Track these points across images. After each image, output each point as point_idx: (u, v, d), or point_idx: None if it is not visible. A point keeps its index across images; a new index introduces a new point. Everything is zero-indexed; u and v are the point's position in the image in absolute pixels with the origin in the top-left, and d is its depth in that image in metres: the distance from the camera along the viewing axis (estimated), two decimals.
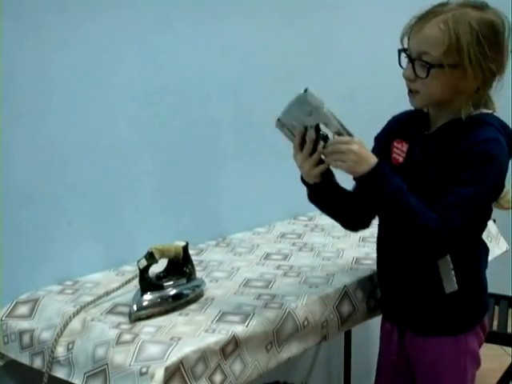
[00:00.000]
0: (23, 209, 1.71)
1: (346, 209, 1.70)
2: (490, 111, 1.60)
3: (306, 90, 1.51)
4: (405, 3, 2.61)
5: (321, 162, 1.55)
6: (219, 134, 2.18)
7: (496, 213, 2.58)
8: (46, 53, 1.72)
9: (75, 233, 1.82)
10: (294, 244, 2.14)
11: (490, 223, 2.40)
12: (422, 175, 1.60)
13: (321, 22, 2.46)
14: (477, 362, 1.71)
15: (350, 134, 1.53)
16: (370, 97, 2.61)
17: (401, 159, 1.65)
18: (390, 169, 1.54)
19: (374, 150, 1.67)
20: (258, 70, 2.26)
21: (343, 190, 1.67)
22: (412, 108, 1.65)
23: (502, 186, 1.59)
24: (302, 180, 1.62)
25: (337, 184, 1.64)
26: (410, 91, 1.58)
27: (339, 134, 1.52)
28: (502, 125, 1.59)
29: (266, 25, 2.28)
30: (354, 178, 1.53)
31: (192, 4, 2.04)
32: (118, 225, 1.93)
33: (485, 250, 1.72)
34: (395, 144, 1.68)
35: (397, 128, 1.71)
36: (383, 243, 1.74)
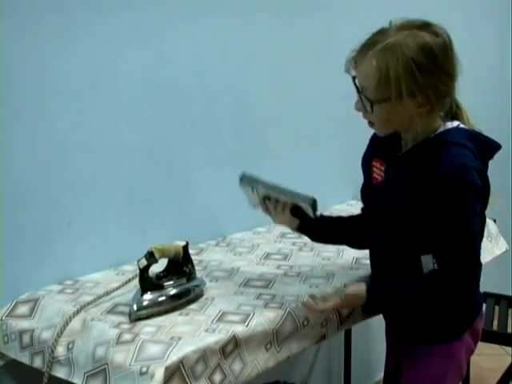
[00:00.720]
0: (23, 209, 1.71)
1: (349, 234, 1.81)
2: (455, 124, 1.59)
3: (241, 177, 1.70)
4: (405, 4, 2.62)
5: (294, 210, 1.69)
6: (219, 133, 2.18)
7: (496, 213, 2.59)
8: (46, 53, 1.72)
9: (75, 232, 1.82)
10: (294, 244, 2.14)
11: (491, 223, 2.41)
12: (397, 195, 1.60)
13: (321, 22, 2.46)
14: (459, 374, 1.70)
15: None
16: None
17: (380, 178, 1.66)
18: (378, 285, 1.62)
19: (364, 176, 1.74)
20: (257, 70, 2.26)
21: (339, 219, 1.81)
22: None
23: (486, 199, 1.58)
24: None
25: (327, 218, 1.80)
26: (368, 123, 1.60)
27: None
28: (469, 135, 1.57)
29: (266, 25, 2.28)
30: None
31: (192, 4, 2.04)
32: (118, 224, 1.93)
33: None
34: (374, 163, 1.69)
35: (376, 146, 1.72)
36: (376, 263, 1.75)
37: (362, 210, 1.78)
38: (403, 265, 1.62)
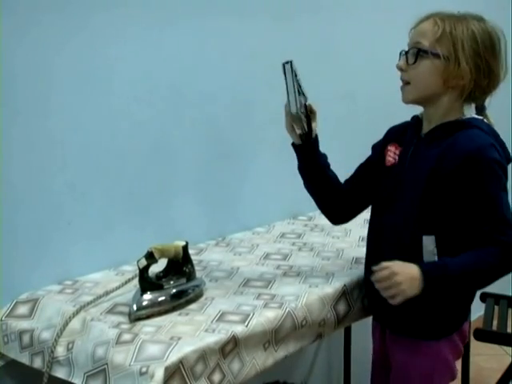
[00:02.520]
0: (23, 209, 1.71)
1: (330, 194, 1.79)
2: (480, 118, 1.64)
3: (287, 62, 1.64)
4: (405, 4, 2.62)
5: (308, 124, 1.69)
6: (219, 133, 2.18)
7: None
8: (46, 52, 1.72)
9: (75, 232, 1.82)
10: (293, 244, 2.14)
11: None
12: (412, 176, 1.63)
13: (321, 23, 2.46)
14: (449, 372, 1.70)
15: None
16: (369, 98, 2.61)
17: (393, 161, 1.71)
18: (431, 265, 1.56)
19: (371, 158, 1.79)
20: (257, 70, 2.26)
21: (332, 174, 1.78)
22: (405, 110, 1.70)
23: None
24: (293, 145, 1.74)
25: (325, 165, 1.77)
26: (402, 84, 1.65)
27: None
28: (492, 131, 1.63)
29: (266, 25, 2.28)
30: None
31: (192, 4, 2.04)
32: (118, 225, 1.93)
33: None
34: (389, 147, 1.74)
35: (392, 135, 1.77)
36: (372, 244, 1.77)
37: (346, 182, 1.81)
38: (404, 245, 1.63)
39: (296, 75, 1.64)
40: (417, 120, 1.72)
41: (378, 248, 1.73)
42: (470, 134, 1.59)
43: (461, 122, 1.62)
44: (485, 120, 1.65)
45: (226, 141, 2.20)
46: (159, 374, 1.33)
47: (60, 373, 1.51)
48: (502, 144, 1.63)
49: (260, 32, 2.25)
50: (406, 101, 1.66)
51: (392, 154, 1.72)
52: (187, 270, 1.66)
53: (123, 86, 1.90)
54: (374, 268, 1.56)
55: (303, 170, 1.78)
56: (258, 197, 2.32)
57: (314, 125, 1.73)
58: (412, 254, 1.60)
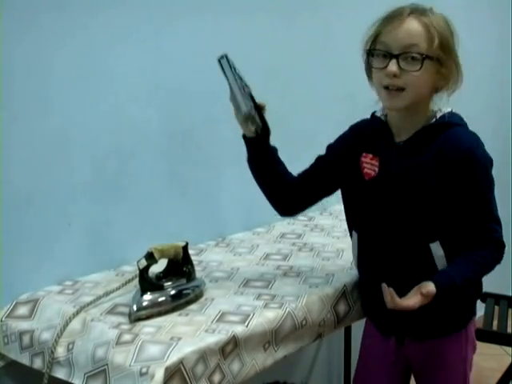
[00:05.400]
0: (23, 209, 1.71)
1: (279, 188, 1.73)
2: (448, 109, 1.63)
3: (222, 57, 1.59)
4: (405, 3, 2.61)
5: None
6: (219, 133, 2.17)
7: None
8: (46, 52, 1.72)
9: (75, 233, 1.82)
10: (293, 244, 2.14)
11: None
12: (405, 188, 1.60)
13: (320, 22, 2.46)
14: (474, 348, 1.77)
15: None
16: (368, 98, 2.61)
17: (372, 173, 1.65)
18: (442, 282, 1.55)
19: (326, 158, 1.73)
20: (257, 70, 2.26)
21: (282, 168, 1.72)
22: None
23: None
24: (244, 137, 1.69)
25: (275, 158, 1.71)
26: (392, 90, 1.55)
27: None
28: (461, 119, 1.64)
29: (266, 25, 2.28)
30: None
31: (191, 3, 2.04)
32: (118, 225, 1.93)
33: None
34: (363, 159, 1.67)
35: (359, 140, 1.69)
36: (365, 260, 1.74)
37: (299, 176, 1.75)
38: (412, 258, 1.62)
39: (235, 69, 1.58)
40: (381, 124, 1.65)
41: (382, 268, 1.68)
42: (455, 135, 1.58)
43: (441, 124, 1.59)
44: (452, 110, 1.64)
45: (226, 141, 2.20)
46: (159, 374, 1.33)
47: (60, 373, 1.51)
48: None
49: (260, 32, 2.25)
50: (397, 108, 1.59)
51: (369, 166, 1.65)
52: (187, 271, 1.66)
53: (123, 86, 1.90)
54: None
55: (253, 163, 1.72)
56: (258, 197, 2.31)
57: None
58: (424, 264, 1.61)
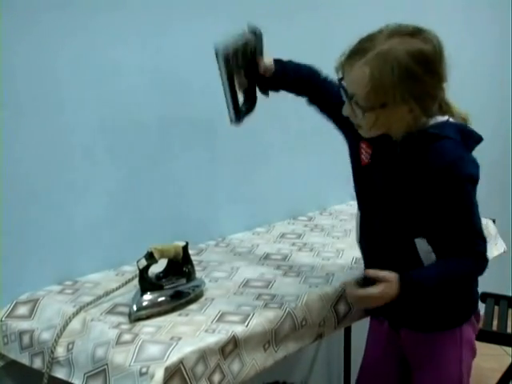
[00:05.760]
0: (23, 209, 1.71)
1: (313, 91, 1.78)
2: (444, 118, 1.59)
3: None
4: (405, 3, 2.62)
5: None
6: (219, 134, 2.18)
7: (496, 213, 2.59)
8: (47, 52, 1.72)
9: (75, 233, 1.83)
10: (293, 244, 2.14)
11: (490, 223, 2.41)
12: (388, 184, 1.63)
13: (320, 22, 2.46)
14: (472, 351, 1.76)
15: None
16: None
17: (366, 161, 1.68)
18: (411, 274, 1.58)
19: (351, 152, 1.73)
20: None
21: (304, 74, 1.77)
22: None
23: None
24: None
25: (295, 74, 1.75)
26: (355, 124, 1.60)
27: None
28: (459, 129, 1.59)
29: (266, 24, 2.27)
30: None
31: (191, 4, 2.04)
32: (118, 225, 1.93)
33: None
34: (362, 145, 1.69)
35: None
36: (368, 251, 1.77)
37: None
38: (397, 249, 1.64)
39: (231, 59, 1.63)
40: None
41: (373, 251, 1.73)
42: (440, 148, 1.54)
43: (430, 135, 1.56)
44: (450, 119, 1.60)
45: (226, 141, 2.20)
46: (159, 374, 1.33)
47: (60, 373, 1.51)
48: (469, 135, 1.60)
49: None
50: (367, 136, 1.62)
51: (364, 153, 1.68)
52: (187, 271, 1.66)
53: (124, 86, 1.90)
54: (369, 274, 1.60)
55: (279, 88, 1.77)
56: (258, 197, 2.32)
57: (266, 61, 1.71)
58: (408, 257, 1.62)
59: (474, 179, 1.56)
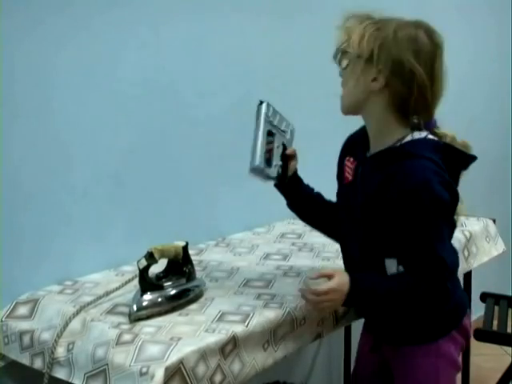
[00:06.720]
0: (23, 209, 1.72)
1: (325, 218, 1.78)
2: (423, 134, 1.56)
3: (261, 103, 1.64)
4: (405, 4, 2.62)
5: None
6: (218, 133, 2.18)
7: (496, 213, 2.59)
8: (46, 52, 1.72)
9: (75, 233, 1.83)
10: (293, 244, 2.14)
11: (490, 223, 2.40)
12: (362, 199, 1.60)
13: (321, 21, 2.46)
14: (452, 365, 1.71)
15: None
16: None
17: (350, 178, 1.66)
18: (361, 276, 1.58)
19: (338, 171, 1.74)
20: (257, 69, 2.26)
21: (320, 199, 1.78)
22: None
23: (454, 207, 1.57)
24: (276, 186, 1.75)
25: (312, 194, 1.77)
26: None
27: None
28: (436, 147, 1.55)
29: (266, 24, 2.28)
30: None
31: (191, 4, 2.04)
32: (118, 225, 1.93)
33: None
34: (346, 162, 1.69)
35: (349, 145, 1.72)
36: (347, 265, 1.74)
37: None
38: (369, 267, 1.62)
39: (271, 121, 1.65)
40: (364, 135, 1.65)
41: (350, 267, 1.70)
42: (409, 169, 1.51)
43: (402, 152, 1.54)
44: (428, 136, 1.56)
45: (226, 140, 2.20)
46: (159, 374, 1.33)
47: (60, 373, 1.51)
48: (454, 154, 1.56)
49: (260, 32, 2.25)
50: (342, 110, 1.61)
51: (348, 170, 1.67)
52: (187, 271, 1.67)
53: (123, 86, 1.90)
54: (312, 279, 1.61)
55: (291, 206, 1.78)
56: (258, 197, 2.32)
57: (292, 164, 1.73)
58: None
59: (443, 202, 1.51)
